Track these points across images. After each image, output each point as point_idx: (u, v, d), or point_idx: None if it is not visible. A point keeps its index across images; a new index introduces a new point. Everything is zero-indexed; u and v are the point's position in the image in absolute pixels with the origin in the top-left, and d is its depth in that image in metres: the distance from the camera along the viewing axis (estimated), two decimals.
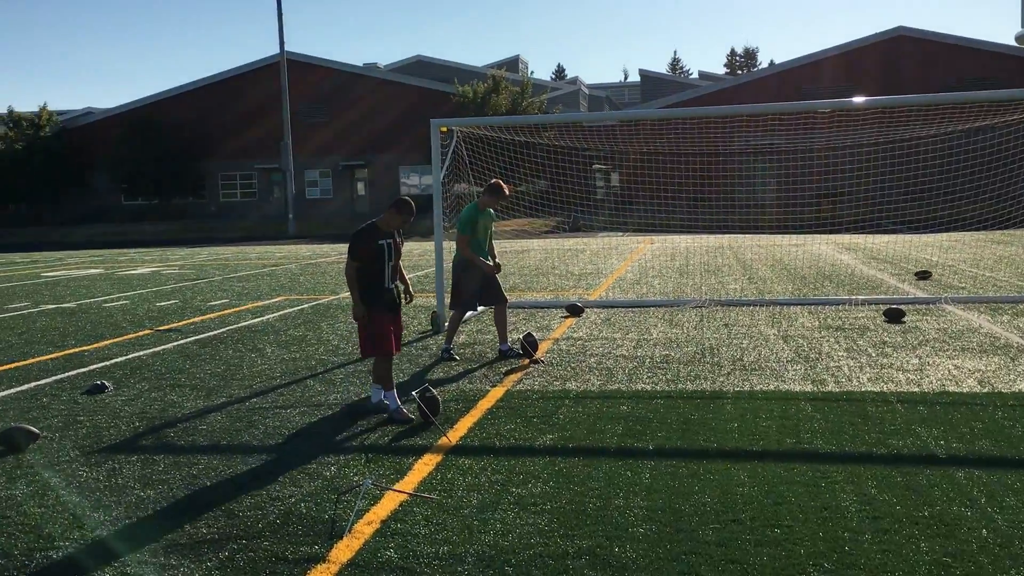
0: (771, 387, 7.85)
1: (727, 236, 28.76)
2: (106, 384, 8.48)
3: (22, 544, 4.72)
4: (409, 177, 52.81)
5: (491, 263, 9.49)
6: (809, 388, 7.77)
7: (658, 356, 9.41)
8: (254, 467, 5.93)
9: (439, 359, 9.58)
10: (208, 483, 5.62)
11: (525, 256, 24.88)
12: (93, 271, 24.34)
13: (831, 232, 28.55)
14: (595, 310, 13.05)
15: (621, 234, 34.47)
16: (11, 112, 54.72)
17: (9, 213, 54.80)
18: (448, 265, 10.79)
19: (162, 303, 15.74)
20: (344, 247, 31.19)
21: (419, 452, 6.16)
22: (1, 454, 6.35)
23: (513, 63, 73.36)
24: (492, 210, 9.64)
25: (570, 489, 5.32)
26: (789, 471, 5.56)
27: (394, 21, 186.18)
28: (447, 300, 10.35)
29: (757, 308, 12.82)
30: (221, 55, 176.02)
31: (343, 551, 4.52)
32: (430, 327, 11.65)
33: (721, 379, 8.21)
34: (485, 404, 7.48)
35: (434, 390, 7.07)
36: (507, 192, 9.49)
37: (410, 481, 5.55)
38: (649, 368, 8.80)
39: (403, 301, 7.50)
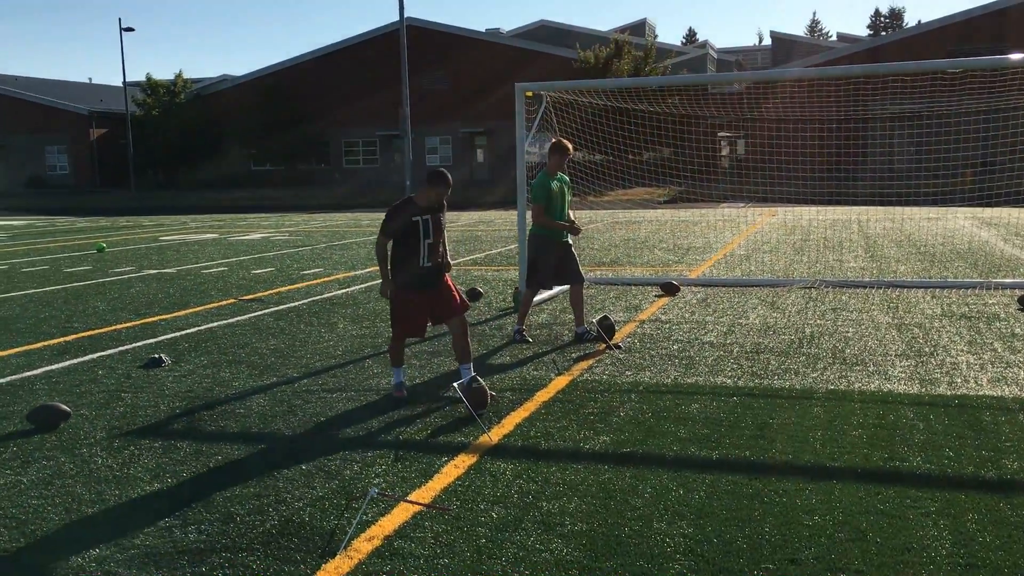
0: (871, 386, 6.90)
1: (857, 208, 27.01)
2: (163, 358, 8.24)
3: None
4: (532, 144, 52.09)
5: (570, 223, 8.77)
6: (915, 389, 6.78)
7: (749, 344, 8.52)
8: (274, 461, 5.48)
9: (511, 340, 8.98)
10: (220, 478, 5.20)
11: (636, 228, 23.94)
12: (208, 236, 24.80)
13: (974, 205, 26.38)
14: (693, 289, 12.16)
15: (743, 204, 32.94)
16: (149, 79, 56.84)
17: (147, 177, 57.10)
18: None
19: (258, 270, 15.69)
20: (459, 215, 30.71)
21: (454, 451, 5.58)
22: (30, 433, 6.13)
23: (640, 27, 71.42)
24: (565, 175, 8.93)
25: (608, 507, 4.64)
26: (872, 496, 4.70)
27: None
28: None
29: (873, 290, 11.67)
30: (349, 21, 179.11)
31: (330, 574, 3.98)
32: (512, 304, 11.06)
33: (815, 375, 7.30)
34: (543, 396, 6.84)
35: (482, 380, 6.47)
36: (571, 150, 8.76)
37: (433, 487, 4.97)
38: (736, 358, 7.95)
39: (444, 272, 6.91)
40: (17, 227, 31.28)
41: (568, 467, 5.25)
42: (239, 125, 54.77)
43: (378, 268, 6.82)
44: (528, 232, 9.05)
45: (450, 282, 6.90)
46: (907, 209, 26.00)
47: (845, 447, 5.50)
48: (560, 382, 7.25)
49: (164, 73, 71.95)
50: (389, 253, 6.72)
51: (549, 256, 8.76)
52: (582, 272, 8.99)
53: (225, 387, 7.34)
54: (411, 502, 4.69)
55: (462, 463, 5.36)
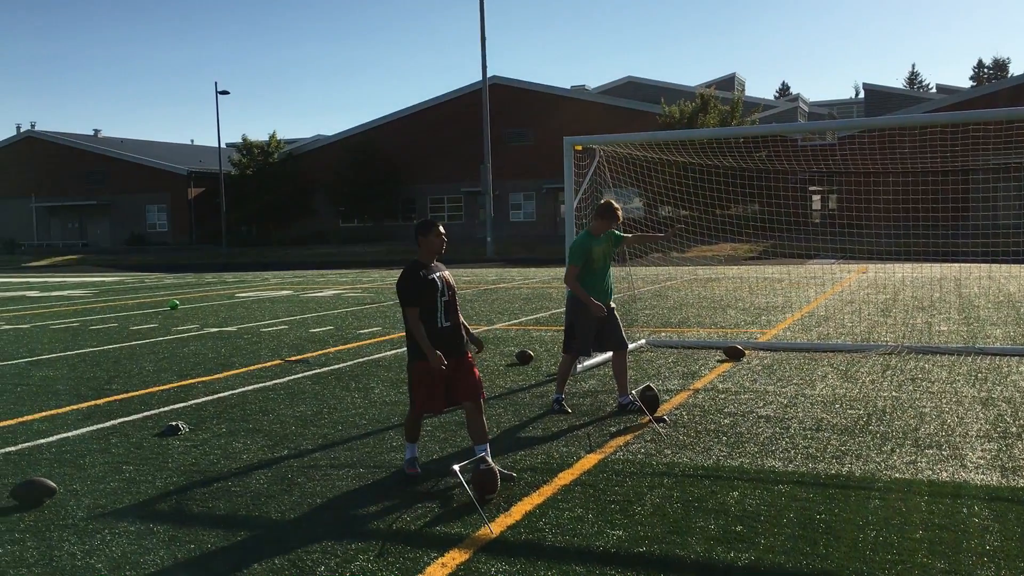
0: (943, 475, 6.01)
1: (956, 265, 25.47)
2: (181, 426, 7.88)
3: None
4: (614, 199, 51.60)
5: (602, 305, 8.03)
6: (995, 480, 5.87)
7: (810, 420, 7.68)
8: (248, 553, 4.95)
9: (549, 411, 8.34)
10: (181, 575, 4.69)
11: (714, 285, 23.03)
12: (284, 292, 24.89)
13: None
14: (759, 354, 11.30)
15: (833, 261, 31.58)
16: (244, 140, 58.70)
17: (239, 234, 58.61)
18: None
19: (317, 329, 15.44)
20: (543, 271, 30.11)
21: (446, 545, 4.95)
22: (11, 510, 5.76)
23: (728, 82, 70.52)
24: (616, 232, 8.34)
25: None
26: None
27: (606, 42, 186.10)
28: None
29: (961, 357, 10.62)
30: (436, 79, 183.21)
31: None
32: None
33: (879, 458, 6.44)
34: (565, 478, 6.16)
35: (491, 461, 5.85)
36: (620, 214, 8.18)
37: None
38: (792, 436, 7.13)
39: (470, 348, 6.32)
40: (108, 283, 32.16)
41: (570, 570, 4.57)
42: (329, 183, 55.98)
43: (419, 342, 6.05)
44: (567, 294, 8.45)
45: (471, 359, 6.30)
46: (1012, 267, 24.40)
47: (902, 554, 4.67)
48: (589, 461, 6.57)
49: (260, 134, 74.31)
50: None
51: (588, 320, 8.13)
52: (625, 338, 8.32)
53: (232, 460, 6.89)
54: None
55: (451, 561, 4.74)
